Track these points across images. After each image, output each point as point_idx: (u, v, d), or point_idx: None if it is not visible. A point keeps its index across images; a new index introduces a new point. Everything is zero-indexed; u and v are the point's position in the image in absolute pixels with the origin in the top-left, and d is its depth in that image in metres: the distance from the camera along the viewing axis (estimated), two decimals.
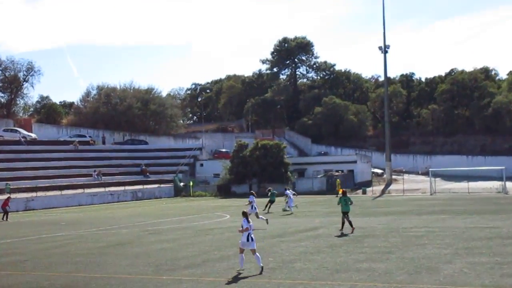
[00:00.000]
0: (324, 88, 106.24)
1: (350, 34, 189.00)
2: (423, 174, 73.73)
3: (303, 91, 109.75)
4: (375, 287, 14.23)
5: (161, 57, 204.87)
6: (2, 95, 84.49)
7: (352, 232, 24.83)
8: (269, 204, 39.13)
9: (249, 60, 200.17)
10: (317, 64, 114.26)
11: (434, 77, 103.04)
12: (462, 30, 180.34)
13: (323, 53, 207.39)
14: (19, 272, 18.18)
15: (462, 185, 58.51)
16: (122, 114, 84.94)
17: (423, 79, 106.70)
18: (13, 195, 49.96)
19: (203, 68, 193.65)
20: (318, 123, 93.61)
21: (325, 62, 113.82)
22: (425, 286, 14.08)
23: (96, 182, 64.73)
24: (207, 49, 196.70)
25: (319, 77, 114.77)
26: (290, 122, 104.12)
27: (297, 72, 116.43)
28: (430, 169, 60.39)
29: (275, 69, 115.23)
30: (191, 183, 67.61)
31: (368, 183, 67.00)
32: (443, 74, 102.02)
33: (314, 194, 60.66)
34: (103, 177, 66.18)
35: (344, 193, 26.14)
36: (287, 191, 40.18)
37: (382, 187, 64.73)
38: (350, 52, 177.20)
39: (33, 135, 72.35)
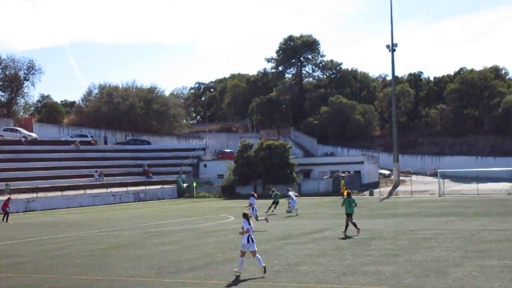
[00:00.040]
0: (331, 87, 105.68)
1: (356, 32, 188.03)
2: (431, 175, 73.31)
3: (309, 90, 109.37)
4: None
5: (164, 55, 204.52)
6: (3, 94, 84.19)
7: (358, 233, 24.62)
8: (272, 205, 39.16)
9: (254, 58, 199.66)
10: (323, 63, 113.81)
11: (443, 76, 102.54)
12: (471, 28, 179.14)
13: (329, 51, 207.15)
14: (20, 275, 18.11)
15: (472, 187, 58.20)
16: (124, 113, 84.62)
17: (431, 78, 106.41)
18: (13, 196, 49.64)
19: (207, 66, 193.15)
20: (324, 123, 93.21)
21: (332, 60, 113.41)
22: None
23: (97, 182, 64.56)
24: (211, 48, 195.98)
25: (325, 76, 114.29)
26: (295, 122, 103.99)
27: (302, 71, 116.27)
28: (438, 170, 60.05)
29: (280, 68, 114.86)
30: (194, 184, 67.33)
31: (375, 184, 66.54)
32: (452, 73, 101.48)
33: (320, 195, 60.53)
34: (104, 178, 66.00)
35: (348, 195, 26.00)
36: (290, 192, 40.14)
37: (389, 188, 64.33)
38: (357, 51, 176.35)
39: (33, 135, 72.15)
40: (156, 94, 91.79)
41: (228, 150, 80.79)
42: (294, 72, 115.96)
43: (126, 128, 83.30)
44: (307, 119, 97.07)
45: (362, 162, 69.50)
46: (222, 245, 23.14)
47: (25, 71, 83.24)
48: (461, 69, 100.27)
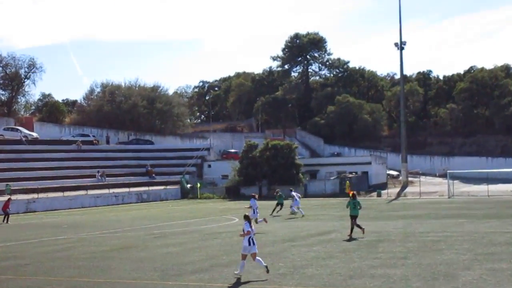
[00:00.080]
0: (338, 86, 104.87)
1: (364, 30, 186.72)
2: (440, 176, 72.80)
3: (315, 89, 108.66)
4: None
5: (167, 53, 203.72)
6: (3, 92, 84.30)
7: (363, 233, 24.55)
8: (277, 207, 38.71)
9: (259, 57, 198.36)
10: (330, 61, 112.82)
11: (453, 75, 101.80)
12: (481, 26, 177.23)
13: (336, 49, 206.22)
14: (20, 277, 18.10)
15: (482, 188, 58.25)
16: (127, 112, 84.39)
17: (441, 77, 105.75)
18: (13, 197, 49.52)
19: (211, 65, 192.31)
20: (331, 123, 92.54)
21: (339, 59, 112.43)
22: None
23: (99, 183, 64.39)
24: (216, 46, 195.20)
25: (332, 75, 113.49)
26: (301, 122, 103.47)
27: (309, 70, 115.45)
28: (448, 171, 60.02)
29: (286, 66, 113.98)
30: (198, 185, 67.20)
31: (383, 185, 66.48)
32: (462, 72, 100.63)
33: (326, 196, 60.67)
34: (107, 178, 65.83)
35: (353, 196, 25.64)
36: (292, 192, 39.79)
37: (397, 189, 64.21)
38: (365, 49, 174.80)
39: (34, 134, 72.10)
40: (159, 93, 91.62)
41: (232, 150, 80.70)
42: (300, 70, 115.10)
43: (129, 127, 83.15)
44: (314, 119, 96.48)
45: (369, 163, 69.32)
46: (227, 247, 23.05)
47: (26, 69, 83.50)
48: (471, 67, 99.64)
